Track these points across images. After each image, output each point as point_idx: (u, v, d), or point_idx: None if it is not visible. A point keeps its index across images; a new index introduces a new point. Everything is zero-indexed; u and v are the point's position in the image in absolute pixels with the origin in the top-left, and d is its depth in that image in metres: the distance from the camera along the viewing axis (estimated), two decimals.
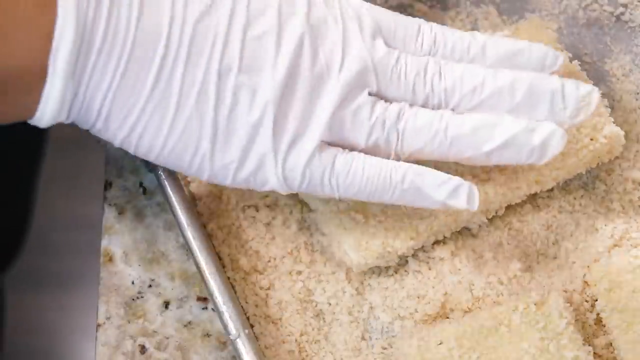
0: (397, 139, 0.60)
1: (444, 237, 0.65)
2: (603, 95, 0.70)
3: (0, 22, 0.53)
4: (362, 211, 0.63)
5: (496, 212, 0.66)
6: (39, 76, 0.54)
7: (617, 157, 0.68)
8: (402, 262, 0.65)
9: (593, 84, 0.67)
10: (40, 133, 0.98)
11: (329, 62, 0.59)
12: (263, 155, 0.58)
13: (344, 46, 0.59)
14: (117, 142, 0.58)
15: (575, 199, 0.67)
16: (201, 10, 0.57)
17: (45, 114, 0.55)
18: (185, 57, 0.56)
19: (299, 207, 0.66)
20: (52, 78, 0.54)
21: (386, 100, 0.60)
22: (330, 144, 0.59)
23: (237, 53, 0.57)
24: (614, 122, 0.66)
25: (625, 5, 0.73)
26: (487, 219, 0.66)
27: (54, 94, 0.54)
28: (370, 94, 0.60)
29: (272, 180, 0.59)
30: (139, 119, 0.57)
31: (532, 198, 0.67)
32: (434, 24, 0.62)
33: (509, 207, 0.66)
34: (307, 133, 0.58)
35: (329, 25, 0.59)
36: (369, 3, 0.61)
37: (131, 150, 0.58)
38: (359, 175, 0.59)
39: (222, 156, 0.58)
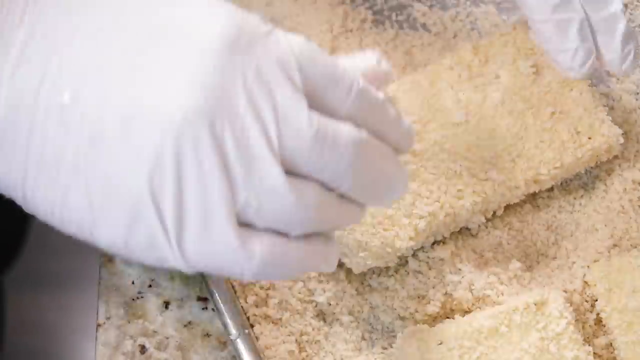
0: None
1: (444, 237, 0.65)
2: (603, 95, 0.71)
3: None
4: None
5: (495, 212, 0.66)
6: None
7: (616, 157, 0.68)
8: (402, 262, 0.65)
9: (593, 84, 0.67)
10: None
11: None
12: (153, 240, 0.51)
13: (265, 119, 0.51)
14: (24, 208, 0.53)
15: (575, 199, 0.68)
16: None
17: None
18: (55, 121, 0.50)
19: None
20: None
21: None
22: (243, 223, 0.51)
23: (118, 119, 0.49)
24: (613, 122, 0.66)
25: (625, 5, 0.73)
26: (487, 218, 0.66)
27: None
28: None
29: (172, 264, 0.51)
30: (24, 183, 0.51)
31: (532, 198, 0.67)
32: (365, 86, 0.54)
33: (508, 207, 0.66)
34: (213, 222, 0.50)
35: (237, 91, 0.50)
36: (305, 43, 0.52)
37: (38, 217, 0.53)
38: (280, 269, 0.53)
39: (106, 235, 0.51)
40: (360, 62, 0.55)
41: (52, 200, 0.51)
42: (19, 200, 0.53)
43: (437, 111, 0.66)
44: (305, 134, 0.51)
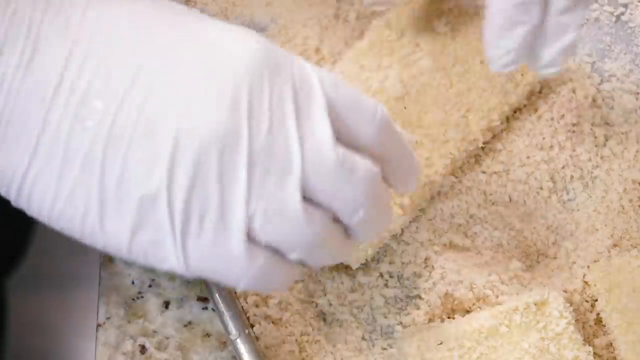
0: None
1: (444, 237, 0.65)
2: (603, 95, 0.71)
3: None
4: None
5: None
6: None
7: (616, 157, 0.68)
8: (403, 262, 0.65)
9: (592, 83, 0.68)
10: None
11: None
12: (160, 237, 0.51)
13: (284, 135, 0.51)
14: (13, 201, 0.53)
15: (575, 199, 0.68)
16: (98, 68, 0.51)
17: None
18: (72, 115, 0.50)
19: None
20: None
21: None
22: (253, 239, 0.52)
23: (134, 117, 0.50)
24: (611, 123, 0.67)
25: (625, 5, 0.73)
26: (456, 177, 0.67)
27: None
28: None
29: (172, 264, 0.52)
30: (25, 177, 0.52)
31: (531, 197, 0.67)
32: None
33: (506, 206, 0.66)
34: (223, 227, 0.51)
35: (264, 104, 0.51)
36: (328, 74, 0.54)
37: (27, 211, 0.53)
38: (272, 284, 0.54)
39: (112, 228, 0.52)
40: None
41: (54, 195, 0.52)
42: (10, 194, 0.53)
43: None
44: (327, 160, 0.52)
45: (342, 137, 0.53)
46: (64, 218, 0.52)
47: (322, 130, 0.52)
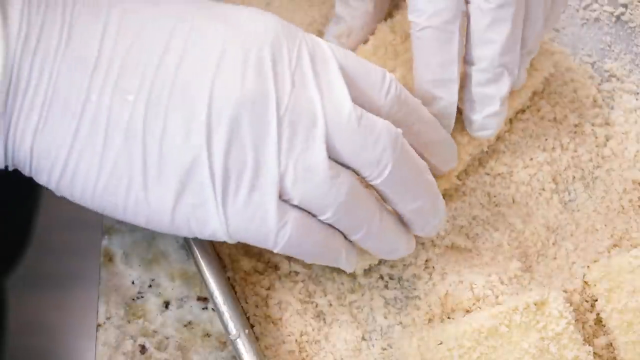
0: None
1: (446, 239, 0.65)
2: (603, 95, 0.71)
3: None
4: None
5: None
6: None
7: (616, 157, 0.68)
8: (404, 264, 0.65)
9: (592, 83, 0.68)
10: None
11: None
12: (202, 199, 0.54)
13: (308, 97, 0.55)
14: (53, 187, 0.55)
15: (575, 199, 0.68)
16: (132, 42, 0.53)
17: None
18: (111, 89, 0.53)
19: None
20: None
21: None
22: (286, 200, 0.55)
23: (169, 85, 0.53)
24: (608, 123, 0.67)
25: (625, 5, 0.73)
26: (460, 179, 0.67)
27: None
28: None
29: (214, 227, 0.55)
30: (69, 156, 0.53)
31: (533, 198, 0.67)
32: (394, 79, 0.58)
33: (509, 207, 0.66)
34: (258, 185, 0.54)
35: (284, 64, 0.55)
36: (336, 46, 0.57)
37: (68, 195, 0.55)
38: (307, 245, 0.57)
39: (156, 196, 0.54)
40: None
41: (98, 170, 0.54)
42: (52, 179, 0.54)
43: None
44: (347, 117, 0.55)
45: (358, 101, 0.56)
46: (108, 192, 0.54)
47: (339, 89, 0.55)
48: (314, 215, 0.56)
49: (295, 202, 0.55)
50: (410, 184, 0.57)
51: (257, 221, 0.55)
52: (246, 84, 0.54)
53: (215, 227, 0.55)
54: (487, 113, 0.62)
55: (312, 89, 0.55)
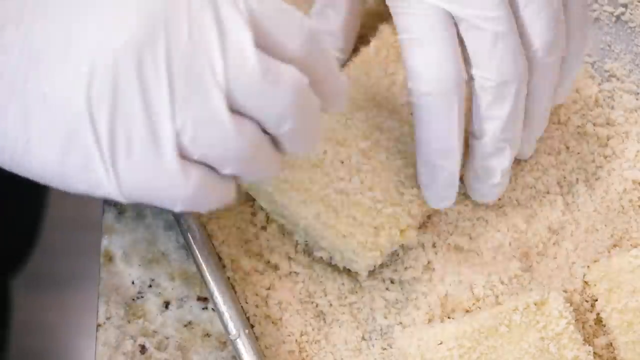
0: None
1: (449, 239, 0.65)
2: (604, 95, 0.71)
3: None
4: (339, 197, 0.63)
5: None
6: None
7: (616, 157, 0.68)
8: (405, 266, 0.65)
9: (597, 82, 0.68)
10: None
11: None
12: (88, 161, 0.50)
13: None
14: None
15: (575, 199, 0.67)
16: None
17: None
18: None
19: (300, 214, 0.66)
20: None
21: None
22: (185, 156, 0.51)
23: (49, 34, 0.49)
24: (609, 123, 0.67)
25: (625, 5, 0.73)
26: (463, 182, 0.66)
27: None
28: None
29: (106, 189, 0.51)
30: None
31: (539, 201, 0.67)
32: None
33: (515, 209, 0.66)
34: (152, 143, 0.49)
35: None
36: None
37: None
38: (209, 202, 0.52)
39: (40, 160, 0.50)
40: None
41: None
42: None
43: (384, 99, 0.66)
44: (250, 66, 0.50)
45: (268, 48, 0.51)
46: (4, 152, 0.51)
47: (243, 37, 0.50)
48: (213, 169, 0.52)
49: (195, 158, 0.50)
50: (307, 134, 0.54)
51: (154, 181, 0.50)
52: (130, 30, 0.48)
53: (107, 190, 0.51)
54: (489, 184, 0.64)
55: (212, 37, 0.49)
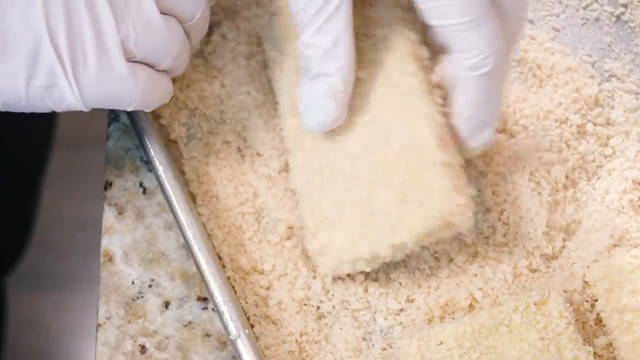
0: None
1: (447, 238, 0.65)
2: (604, 95, 0.71)
3: None
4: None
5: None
6: None
7: (616, 157, 0.68)
8: (406, 267, 0.65)
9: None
10: (41, 133, 0.98)
11: None
12: (53, 79, 0.57)
13: None
14: None
15: (575, 199, 0.68)
16: None
17: None
18: None
19: (298, 212, 0.66)
20: None
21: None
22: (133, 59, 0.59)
23: None
24: (609, 123, 0.67)
25: (625, 5, 0.73)
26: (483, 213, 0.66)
27: None
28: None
29: (69, 101, 0.58)
30: None
31: (533, 198, 0.67)
32: None
33: (510, 207, 0.66)
34: (104, 50, 0.57)
35: None
36: None
37: None
38: (155, 96, 0.61)
39: (5, 83, 0.57)
40: None
41: None
42: None
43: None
44: None
45: None
46: None
47: None
48: (152, 67, 0.60)
49: (139, 59, 0.59)
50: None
51: (110, 85, 0.58)
52: None
53: (71, 102, 0.58)
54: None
55: None
